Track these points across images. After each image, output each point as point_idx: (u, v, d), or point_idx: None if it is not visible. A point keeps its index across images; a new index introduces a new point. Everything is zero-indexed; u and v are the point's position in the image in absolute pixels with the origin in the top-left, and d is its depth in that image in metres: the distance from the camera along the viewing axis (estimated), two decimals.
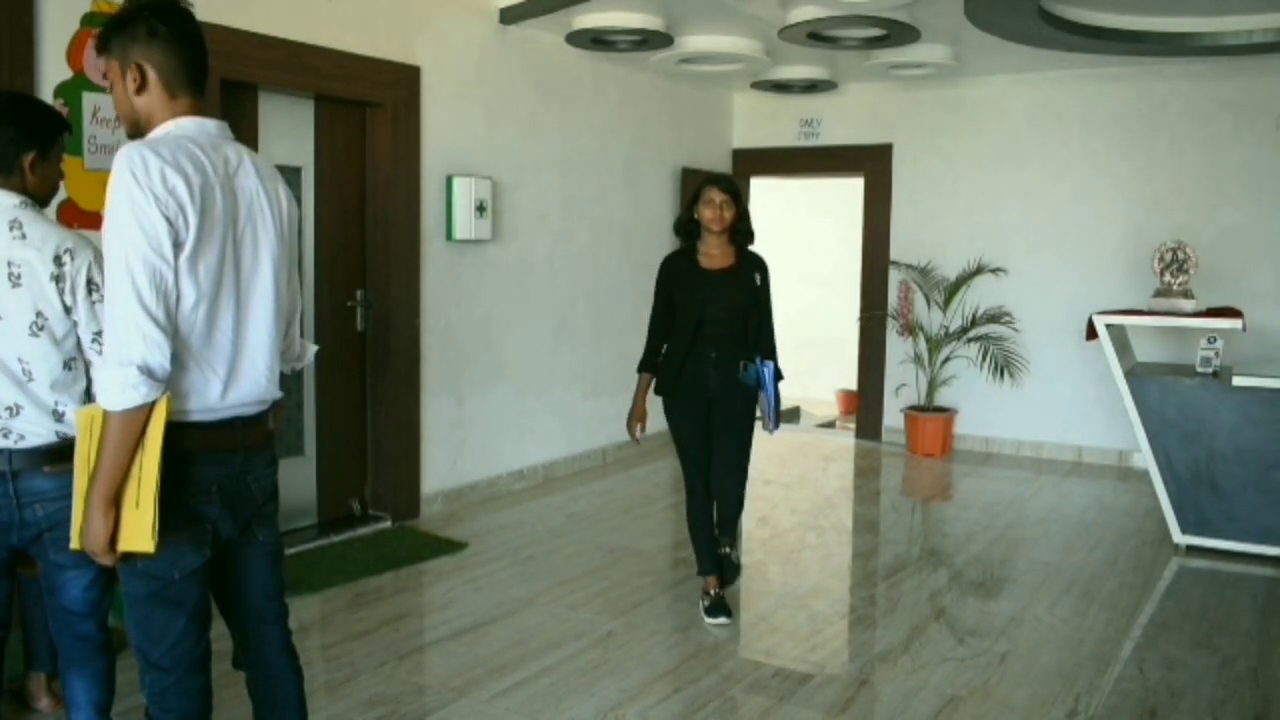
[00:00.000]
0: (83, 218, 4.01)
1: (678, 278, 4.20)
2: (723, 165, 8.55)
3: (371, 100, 5.43)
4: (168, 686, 2.16)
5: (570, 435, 6.98)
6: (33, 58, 3.98)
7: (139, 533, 2.00)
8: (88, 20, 4.13)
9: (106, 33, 2.14)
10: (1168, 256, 5.63)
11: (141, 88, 2.13)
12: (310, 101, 5.29)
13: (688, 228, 4.21)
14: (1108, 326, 5.52)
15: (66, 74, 4.09)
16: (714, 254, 4.18)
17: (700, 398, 4.19)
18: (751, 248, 4.27)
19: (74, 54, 4.11)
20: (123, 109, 2.17)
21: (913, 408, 7.89)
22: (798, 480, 6.97)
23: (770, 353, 4.23)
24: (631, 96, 7.39)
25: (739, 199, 4.16)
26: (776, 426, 4.29)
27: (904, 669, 3.84)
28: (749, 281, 4.18)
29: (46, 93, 4.02)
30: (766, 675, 3.77)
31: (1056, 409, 7.64)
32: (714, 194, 4.09)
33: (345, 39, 5.18)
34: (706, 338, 4.13)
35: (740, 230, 4.19)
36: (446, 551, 5.14)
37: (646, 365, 4.28)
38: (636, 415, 4.26)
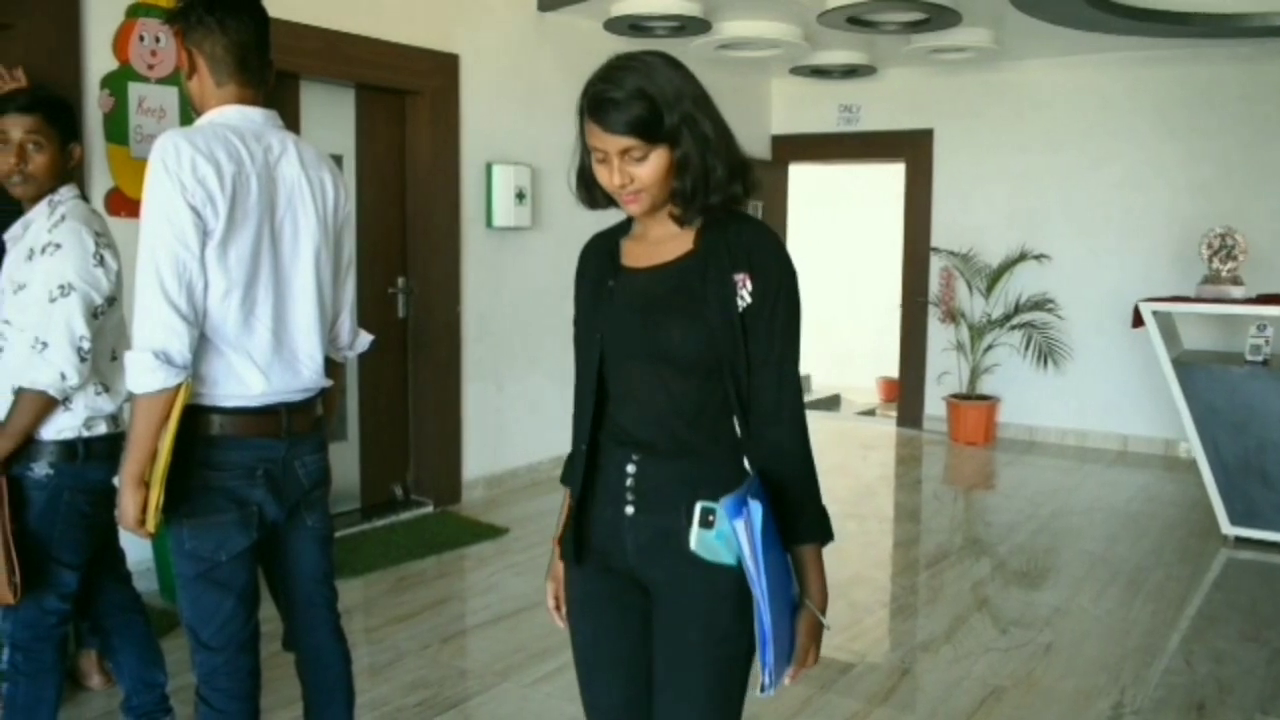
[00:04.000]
0: (129, 205, 4.06)
1: (585, 282, 1.92)
2: (761, 151, 8.52)
3: (411, 88, 5.46)
4: (217, 666, 2.20)
5: None
6: (79, 49, 4.03)
7: (149, 513, 2.05)
8: (132, 11, 4.18)
9: (173, 18, 2.19)
10: (1215, 242, 5.54)
11: (192, 73, 2.18)
12: (351, 90, 5.32)
13: (593, 193, 1.85)
14: (1154, 314, 5.44)
15: (113, 65, 4.14)
16: (648, 235, 1.83)
17: (612, 576, 1.85)
18: (746, 210, 1.81)
19: (119, 45, 4.16)
20: (187, 93, 2.23)
21: (955, 395, 7.82)
22: (837, 468, 6.94)
23: (789, 461, 1.73)
24: None
25: (663, 123, 1.70)
26: (773, 682, 1.70)
27: (946, 659, 3.82)
28: (719, 290, 1.71)
29: (93, 83, 4.08)
30: None
31: (1101, 397, 7.54)
32: (599, 136, 1.72)
33: (384, 28, 5.21)
34: (618, 430, 1.80)
35: (684, 193, 1.73)
36: (488, 537, 5.17)
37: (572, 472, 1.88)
38: (553, 575, 1.98)
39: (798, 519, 1.72)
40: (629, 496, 1.77)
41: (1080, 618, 4.24)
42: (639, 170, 1.70)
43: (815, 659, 1.79)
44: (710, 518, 1.69)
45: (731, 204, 1.75)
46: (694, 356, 1.71)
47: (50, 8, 3.93)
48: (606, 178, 1.74)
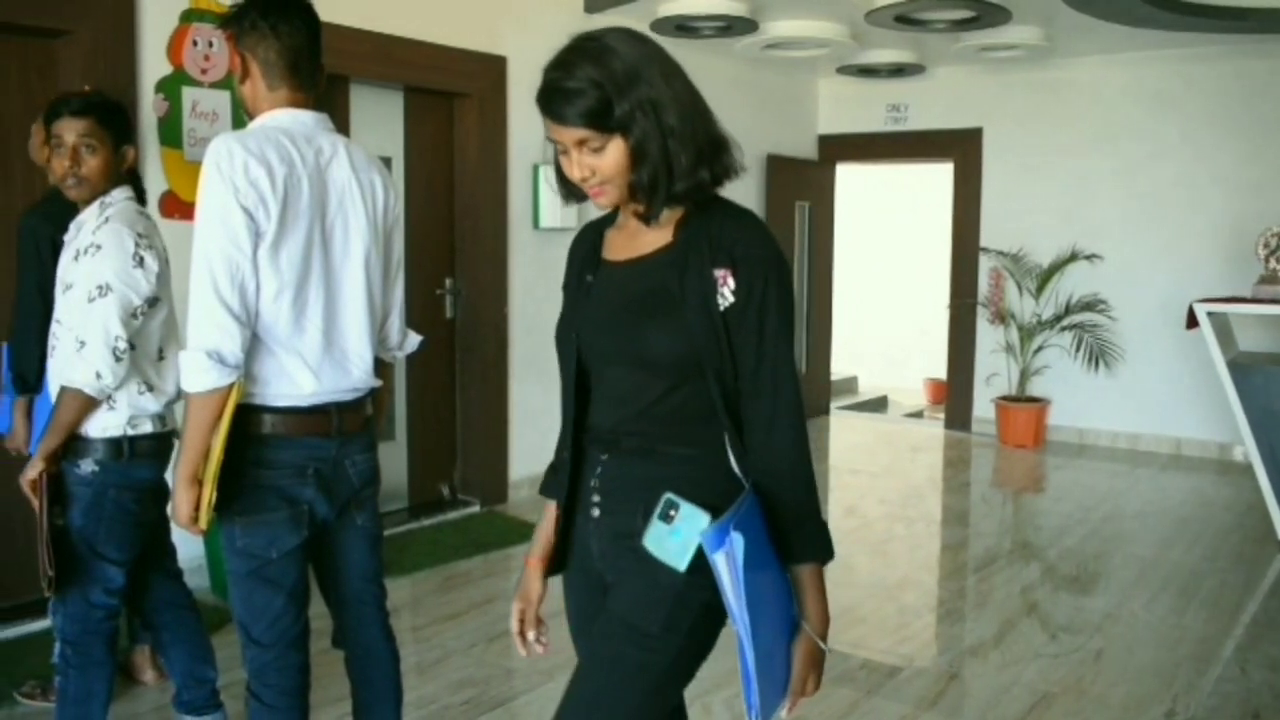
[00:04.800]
0: (183, 208, 4.13)
1: (570, 275, 1.82)
2: (808, 151, 8.48)
3: (459, 90, 5.50)
4: (267, 662, 2.23)
5: None
6: (134, 54, 4.11)
7: (201, 510, 2.08)
8: (186, 16, 4.25)
9: (226, 23, 2.23)
10: (1273, 242, 5.44)
11: (244, 77, 2.21)
12: (399, 92, 5.37)
13: (569, 187, 1.70)
14: (1209, 315, 5.34)
15: (167, 69, 4.21)
16: (628, 225, 1.71)
17: (595, 592, 1.77)
18: (725, 197, 1.68)
19: (174, 49, 4.23)
20: (239, 96, 2.27)
21: (1004, 397, 7.73)
22: (885, 470, 6.89)
23: (785, 473, 1.59)
24: (716, 84, 7.28)
25: (614, 110, 1.54)
26: (764, 715, 1.61)
27: (995, 664, 3.77)
28: (697, 287, 1.59)
29: (148, 88, 4.15)
30: (854, 667, 3.74)
31: (1154, 399, 7.42)
32: (553, 128, 1.58)
33: (433, 30, 5.25)
34: (594, 431, 1.72)
35: (643, 185, 1.59)
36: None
37: (554, 482, 1.83)
38: (521, 595, 1.87)
39: (795, 536, 1.58)
40: (595, 499, 1.69)
41: (1131, 624, 4.17)
42: (599, 162, 1.57)
43: (815, 687, 1.66)
44: (672, 512, 1.55)
45: (699, 192, 1.60)
46: (672, 360, 1.59)
47: (107, 14, 4.01)
48: (569, 170, 1.62)
